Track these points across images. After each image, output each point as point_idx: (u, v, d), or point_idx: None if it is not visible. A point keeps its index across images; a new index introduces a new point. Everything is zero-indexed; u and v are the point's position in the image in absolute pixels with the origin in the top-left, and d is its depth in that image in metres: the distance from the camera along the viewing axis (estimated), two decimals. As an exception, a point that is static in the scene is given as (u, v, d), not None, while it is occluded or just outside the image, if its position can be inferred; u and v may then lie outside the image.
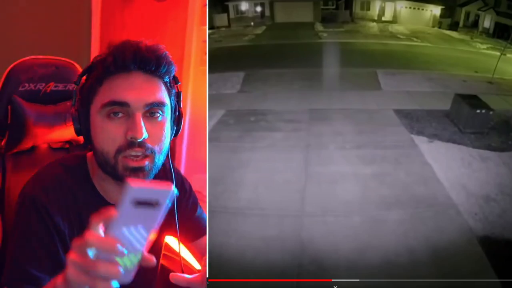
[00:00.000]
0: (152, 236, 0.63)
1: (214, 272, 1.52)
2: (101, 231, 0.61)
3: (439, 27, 6.61)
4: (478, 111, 2.82)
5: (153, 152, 0.91)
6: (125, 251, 0.60)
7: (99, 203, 0.94)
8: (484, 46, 5.54)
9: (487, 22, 5.82)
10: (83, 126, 0.96)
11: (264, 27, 6.92)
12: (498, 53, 4.29)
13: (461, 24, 6.35)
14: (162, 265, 1.35)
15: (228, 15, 6.81)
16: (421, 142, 2.71)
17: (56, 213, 0.92)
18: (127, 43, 0.94)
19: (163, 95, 0.95)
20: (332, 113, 3.23)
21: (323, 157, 2.50)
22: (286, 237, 1.82)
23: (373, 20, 7.01)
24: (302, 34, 6.42)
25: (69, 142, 1.31)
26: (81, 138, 0.97)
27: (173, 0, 2.52)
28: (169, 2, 2.52)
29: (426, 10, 6.76)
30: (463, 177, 2.27)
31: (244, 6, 7.10)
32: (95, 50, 2.34)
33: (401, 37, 6.30)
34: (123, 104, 0.88)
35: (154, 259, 0.64)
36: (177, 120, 1.04)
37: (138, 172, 0.89)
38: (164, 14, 2.52)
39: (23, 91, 1.23)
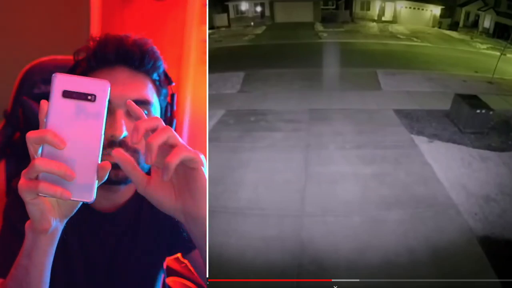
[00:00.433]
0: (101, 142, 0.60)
1: (214, 272, 1.52)
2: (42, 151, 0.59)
3: (439, 27, 6.60)
4: (478, 111, 2.82)
5: (136, 152, 0.87)
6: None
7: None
8: (484, 46, 5.54)
9: (487, 22, 5.81)
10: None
11: (264, 27, 6.91)
12: (498, 53, 4.28)
13: (461, 24, 6.34)
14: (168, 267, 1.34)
15: (228, 15, 6.80)
16: (421, 142, 2.71)
17: None
18: (110, 37, 0.91)
19: (149, 93, 0.91)
20: (332, 113, 3.22)
21: (323, 157, 2.50)
22: (286, 237, 1.82)
23: (373, 20, 7.00)
24: (302, 34, 6.41)
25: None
26: None
27: None
28: (168, 2, 2.51)
29: (426, 10, 6.75)
30: (463, 177, 2.27)
31: (244, 6, 7.09)
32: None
33: (401, 37, 6.29)
34: None
35: (109, 164, 0.62)
36: (168, 122, 1.00)
37: (118, 168, 0.89)
38: (164, 13, 2.51)
39: (37, 94, 1.20)
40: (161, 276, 1.17)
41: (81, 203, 0.64)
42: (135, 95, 0.88)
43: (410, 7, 6.89)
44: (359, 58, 4.98)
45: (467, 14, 6.26)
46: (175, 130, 1.01)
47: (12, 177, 1.09)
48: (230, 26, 6.78)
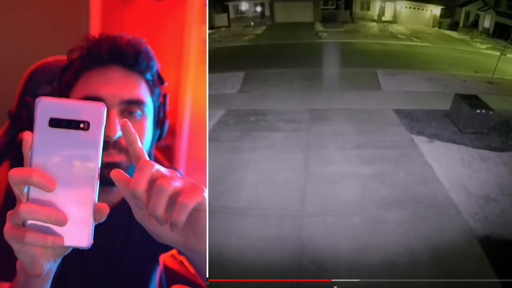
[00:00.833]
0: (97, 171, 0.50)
1: (214, 272, 1.52)
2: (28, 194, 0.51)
3: (439, 27, 6.59)
4: (478, 111, 2.82)
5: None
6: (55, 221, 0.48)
7: None
8: (484, 46, 5.54)
9: (487, 22, 5.81)
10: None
11: (264, 27, 6.91)
12: (498, 53, 4.28)
13: (461, 24, 6.34)
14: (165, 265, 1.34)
15: (228, 15, 6.80)
16: (421, 142, 2.71)
17: None
18: (104, 36, 0.90)
19: (143, 93, 0.91)
20: (332, 113, 3.22)
21: (323, 157, 2.50)
22: (286, 237, 1.82)
23: (373, 20, 7.00)
24: (302, 34, 6.41)
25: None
26: None
27: None
28: (168, 2, 2.51)
29: (426, 10, 6.75)
30: (463, 177, 2.27)
31: (244, 6, 7.09)
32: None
33: (401, 37, 6.29)
34: (97, 100, 0.80)
35: (107, 207, 0.54)
36: (160, 122, 1.00)
37: (112, 168, 0.86)
38: (164, 13, 2.51)
39: (42, 94, 1.19)
40: (157, 272, 1.17)
41: None
42: (128, 95, 0.88)
43: (410, 7, 6.89)
44: (359, 58, 4.98)
45: (467, 14, 6.26)
46: (172, 131, 1.01)
47: None
48: (230, 26, 6.78)
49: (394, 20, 6.94)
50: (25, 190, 0.50)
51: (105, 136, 0.83)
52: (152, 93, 0.95)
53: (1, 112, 1.28)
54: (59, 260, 0.59)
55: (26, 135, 0.50)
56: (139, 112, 0.89)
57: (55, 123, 0.47)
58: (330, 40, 5.96)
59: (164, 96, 1.00)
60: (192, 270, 1.27)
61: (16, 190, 0.51)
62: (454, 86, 3.87)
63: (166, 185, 0.54)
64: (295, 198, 2.08)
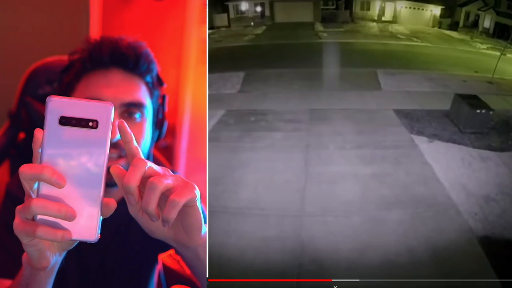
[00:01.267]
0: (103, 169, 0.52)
1: (214, 272, 1.52)
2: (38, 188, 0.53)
3: (439, 27, 6.59)
4: (478, 111, 2.82)
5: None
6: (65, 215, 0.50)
7: None
8: (484, 46, 5.53)
9: (487, 22, 5.81)
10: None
11: (264, 27, 6.91)
12: (498, 53, 4.28)
13: (461, 24, 6.34)
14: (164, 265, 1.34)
15: (228, 15, 6.79)
16: (421, 142, 2.71)
17: None
18: (105, 39, 0.91)
19: (143, 95, 0.92)
20: (332, 113, 3.22)
21: (323, 157, 2.50)
22: (286, 237, 1.82)
23: (373, 20, 6.99)
24: (302, 34, 6.41)
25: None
26: None
27: (172, -1, 2.52)
28: (168, 2, 2.51)
29: (426, 10, 6.74)
30: (463, 177, 2.27)
31: (244, 6, 7.09)
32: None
33: (401, 37, 6.29)
34: None
35: (114, 203, 0.57)
36: (159, 123, 1.01)
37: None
38: (164, 13, 2.51)
39: (42, 94, 1.19)
40: (155, 271, 1.17)
41: None
42: (129, 98, 0.89)
43: (410, 7, 6.88)
44: (359, 58, 4.97)
45: (467, 14, 6.25)
46: (172, 131, 1.03)
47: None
48: (230, 26, 6.78)
49: (394, 20, 6.94)
50: (35, 186, 0.52)
51: None
52: (151, 95, 0.96)
53: (1, 112, 1.29)
54: (64, 253, 0.62)
55: (37, 132, 0.51)
56: (138, 114, 0.90)
57: (65, 121, 0.49)
58: (330, 40, 5.96)
59: (163, 98, 1.01)
60: (188, 271, 1.27)
61: (26, 186, 0.53)
62: (454, 86, 3.87)
63: (158, 182, 0.55)
64: (295, 198, 2.08)
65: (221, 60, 4.72)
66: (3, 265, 0.89)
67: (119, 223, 1.02)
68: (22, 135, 1.24)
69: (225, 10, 6.83)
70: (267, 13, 7.15)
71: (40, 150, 0.52)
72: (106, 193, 0.96)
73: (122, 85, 0.89)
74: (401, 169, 2.35)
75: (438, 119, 3.10)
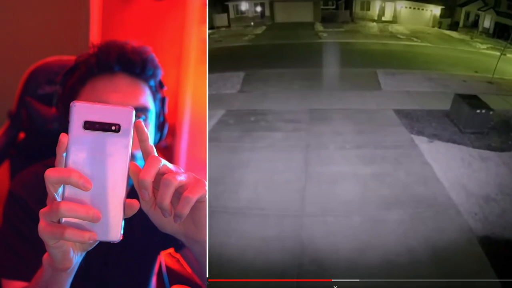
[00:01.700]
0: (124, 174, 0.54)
1: (214, 272, 1.52)
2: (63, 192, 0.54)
3: (439, 27, 6.59)
4: (478, 111, 2.82)
5: (133, 157, 0.88)
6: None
7: None
8: (484, 46, 5.53)
9: (487, 22, 5.81)
10: (64, 128, 0.93)
11: (264, 27, 6.91)
12: (498, 53, 4.28)
13: (461, 24, 6.34)
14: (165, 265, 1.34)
15: (228, 15, 6.79)
16: (421, 142, 2.71)
17: (35, 205, 0.92)
18: (112, 44, 0.92)
19: (148, 100, 0.94)
20: (332, 113, 3.22)
21: (323, 157, 2.50)
22: (286, 237, 1.82)
23: (373, 20, 7.00)
24: (302, 34, 6.41)
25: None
26: None
27: (172, -1, 2.52)
28: (168, 2, 2.51)
29: (426, 10, 6.74)
30: (463, 177, 2.27)
31: (244, 6, 7.09)
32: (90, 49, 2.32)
33: (401, 37, 6.29)
34: None
35: (137, 203, 0.59)
36: (161, 126, 1.02)
37: None
38: (164, 13, 2.51)
39: (42, 94, 1.19)
40: (155, 268, 1.18)
41: None
42: (135, 102, 0.90)
43: (410, 7, 6.88)
44: (359, 58, 4.98)
45: (467, 14, 6.25)
46: (172, 131, 1.03)
47: None
48: (230, 26, 6.78)
49: (394, 20, 6.94)
50: (60, 190, 0.53)
51: None
52: (154, 99, 0.97)
53: (1, 112, 1.29)
54: (84, 254, 0.63)
55: (63, 137, 0.53)
56: (143, 118, 0.92)
57: (89, 125, 0.51)
58: (330, 40, 5.96)
59: (163, 100, 1.01)
60: (189, 269, 1.27)
61: (51, 189, 0.54)
62: (454, 86, 3.87)
63: (172, 179, 0.58)
64: (295, 198, 2.08)
65: (221, 60, 4.72)
66: (12, 267, 0.90)
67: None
68: (22, 135, 1.24)
69: (225, 10, 6.83)
70: (267, 13, 7.15)
71: (64, 155, 0.53)
72: None
73: (128, 90, 0.90)
74: (401, 169, 2.35)
75: (438, 119, 3.10)
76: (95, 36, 2.42)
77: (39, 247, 0.90)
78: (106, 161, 0.53)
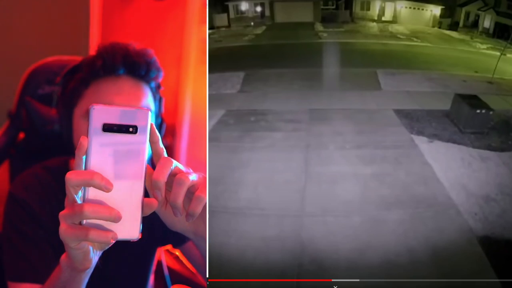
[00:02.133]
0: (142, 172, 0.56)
1: (214, 272, 1.52)
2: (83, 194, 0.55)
3: (439, 27, 6.59)
4: (478, 111, 2.82)
5: None
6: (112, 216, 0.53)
7: None
8: (484, 46, 5.53)
9: (487, 22, 5.81)
10: (65, 129, 0.93)
11: (264, 27, 6.91)
12: (498, 53, 4.28)
13: (461, 24, 6.34)
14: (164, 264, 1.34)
15: (228, 15, 6.80)
16: (421, 142, 2.71)
17: (37, 207, 0.92)
18: (117, 46, 0.92)
19: (150, 101, 0.94)
20: (332, 113, 3.22)
21: (323, 157, 2.50)
22: (286, 237, 1.82)
23: (373, 20, 7.00)
24: (302, 34, 6.41)
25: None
26: None
27: None
28: (168, 2, 2.51)
29: (426, 10, 6.74)
30: (463, 177, 2.27)
31: (244, 6, 7.09)
32: (94, 51, 2.33)
33: (401, 37, 6.29)
34: None
35: (156, 202, 0.60)
36: (159, 126, 1.03)
37: None
38: (164, 13, 2.51)
39: (42, 94, 1.19)
40: (153, 264, 1.18)
41: None
42: (138, 105, 0.91)
43: (410, 7, 6.89)
44: (359, 58, 4.98)
45: (467, 14, 6.25)
46: (172, 131, 1.04)
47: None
48: (230, 26, 6.78)
49: (394, 20, 6.94)
50: (80, 192, 0.54)
51: None
52: (154, 100, 0.97)
53: (1, 112, 1.28)
54: (101, 253, 0.63)
55: (83, 140, 0.53)
56: None
57: (107, 128, 0.52)
58: (330, 40, 5.96)
59: (160, 100, 1.02)
60: (191, 268, 1.27)
61: (72, 192, 0.54)
62: (454, 86, 3.87)
63: (185, 178, 0.60)
64: (295, 198, 2.08)
65: (221, 60, 4.72)
66: (18, 270, 0.90)
67: None
68: (22, 135, 1.24)
69: (225, 10, 6.83)
70: (267, 13, 7.15)
71: (84, 157, 0.54)
72: None
73: (131, 92, 0.91)
74: (401, 169, 2.35)
75: (438, 119, 3.10)
76: (95, 36, 2.42)
77: (44, 249, 0.90)
78: (124, 162, 0.55)
